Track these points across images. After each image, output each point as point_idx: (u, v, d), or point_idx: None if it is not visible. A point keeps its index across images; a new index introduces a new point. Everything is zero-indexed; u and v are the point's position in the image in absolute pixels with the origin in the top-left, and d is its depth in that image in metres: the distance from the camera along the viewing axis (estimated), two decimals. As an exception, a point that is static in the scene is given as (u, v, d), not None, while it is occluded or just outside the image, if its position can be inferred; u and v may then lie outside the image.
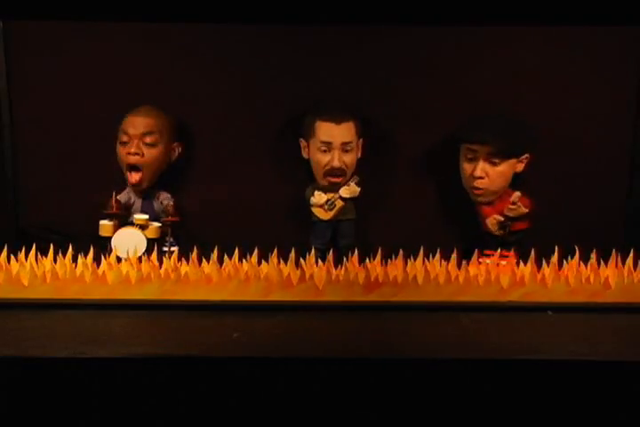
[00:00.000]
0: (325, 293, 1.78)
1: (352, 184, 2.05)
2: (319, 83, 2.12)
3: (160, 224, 2.02)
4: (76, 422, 1.49)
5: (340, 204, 2.06)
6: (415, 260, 1.90)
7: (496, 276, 1.81)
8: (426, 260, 1.89)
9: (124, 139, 2.02)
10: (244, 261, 1.87)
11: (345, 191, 2.05)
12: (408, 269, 1.85)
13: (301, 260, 1.86)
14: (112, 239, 1.96)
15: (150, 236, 1.98)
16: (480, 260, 1.91)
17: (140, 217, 2.00)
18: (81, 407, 1.48)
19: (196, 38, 2.11)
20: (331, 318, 1.72)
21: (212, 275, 1.80)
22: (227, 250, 1.89)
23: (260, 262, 1.86)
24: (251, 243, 1.92)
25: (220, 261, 1.85)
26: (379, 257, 1.89)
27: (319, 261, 1.88)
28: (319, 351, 1.54)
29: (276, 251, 1.86)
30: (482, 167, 2.00)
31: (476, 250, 1.90)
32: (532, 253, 1.85)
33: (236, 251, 1.87)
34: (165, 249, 1.99)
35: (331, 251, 1.90)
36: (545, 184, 2.11)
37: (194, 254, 1.86)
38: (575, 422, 1.49)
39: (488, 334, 1.64)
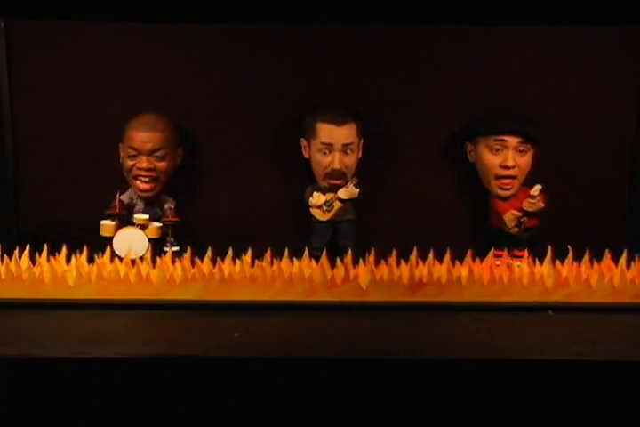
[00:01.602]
0: (370, 293, 1.79)
1: (350, 186, 2.05)
2: (319, 83, 2.12)
3: (160, 224, 2.02)
4: (76, 421, 1.48)
5: (338, 205, 2.06)
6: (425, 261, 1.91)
7: (540, 276, 1.81)
8: (455, 261, 1.90)
9: (132, 153, 2.01)
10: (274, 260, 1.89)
11: (343, 193, 2.05)
12: (452, 269, 1.85)
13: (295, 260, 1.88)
14: (113, 239, 1.96)
15: (151, 236, 1.98)
16: (494, 260, 1.93)
17: (140, 217, 2.00)
18: (81, 407, 1.48)
19: (196, 38, 2.11)
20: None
21: (257, 275, 1.80)
22: (230, 250, 1.90)
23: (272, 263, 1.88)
24: (251, 243, 1.92)
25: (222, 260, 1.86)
26: (392, 256, 1.89)
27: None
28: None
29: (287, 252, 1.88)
30: (512, 157, 2.01)
31: (493, 250, 1.93)
32: (571, 252, 1.88)
33: (269, 251, 1.90)
34: (166, 249, 1.99)
35: (370, 251, 1.91)
36: (546, 184, 2.11)
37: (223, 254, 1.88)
38: (575, 422, 1.49)
39: (488, 335, 1.64)
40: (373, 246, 1.94)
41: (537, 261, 1.91)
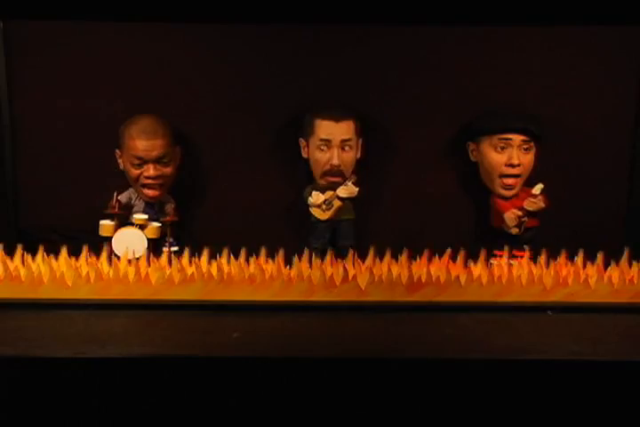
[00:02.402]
0: (368, 293, 1.79)
1: (349, 184, 2.05)
2: (319, 83, 2.12)
3: (159, 224, 2.02)
4: (76, 421, 1.48)
5: (337, 203, 2.06)
6: (419, 260, 1.91)
7: (539, 276, 1.81)
8: (450, 260, 1.91)
9: (137, 162, 2.00)
10: (250, 260, 1.89)
11: (342, 191, 2.05)
12: (451, 269, 1.85)
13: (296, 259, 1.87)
14: (112, 239, 1.96)
15: (150, 236, 1.98)
16: (491, 260, 1.93)
17: (139, 217, 2.00)
18: (81, 407, 1.48)
19: (196, 38, 2.11)
20: (340, 318, 1.73)
21: (256, 275, 1.80)
22: (231, 250, 1.90)
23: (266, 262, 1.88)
24: (253, 243, 1.92)
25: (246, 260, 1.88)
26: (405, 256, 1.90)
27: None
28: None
29: (281, 252, 1.88)
30: (517, 155, 2.02)
31: (499, 251, 1.95)
32: (563, 252, 1.88)
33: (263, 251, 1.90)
34: (165, 249, 1.98)
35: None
36: (545, 184, 2.11)
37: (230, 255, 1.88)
38: (575, 422, 1.49)
39: (488, 334, 1.64)
40: (373, 246, 1.94)
41: (539, 261, 1.91)
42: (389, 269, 1.82)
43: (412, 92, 2.13)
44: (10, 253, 1.90)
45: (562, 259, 1.92)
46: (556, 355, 1.51)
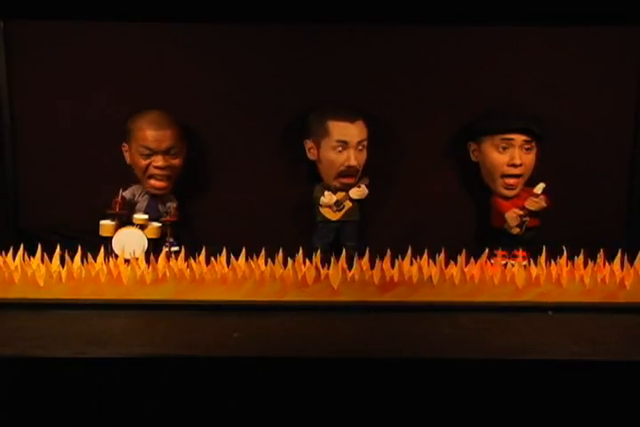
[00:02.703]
0: (340, 293, 1.78)
1: (362, 186, 2.05)
2: (320, 83, 2.12)
3: (160, 224, 2.02)
4: (76, 422, 1.49)
5: (348, 205, 2.06)
6: (420, 260, 1.91)
7: (511, 276, 1.81)
8: (431, 260, 1.90)
9: (146, 152, 2.01)
10: (249, 260, 1.88)
11: (355, 193, 2.05)
12: (423, 269, 1.84)
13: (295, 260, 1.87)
14: (113, 239, 1.96)
15: (150, 236, 1.98)
16: (492, 260, 1.92)
17: (139, 217, 2.00)
18: (81, 407, 1.48)
19: (197, 38, 2.11)
20: (336, 318, 1.73)
21: (228, 275, 1.80)
22: (232, 250, 1.90)
23: (266, 263, 1.87)
24: (253, 243, 1.92)
25: (227, 261, 1.86)
26: (388, 258, 1.89)
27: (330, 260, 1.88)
28: (329, 351, 1.54)
29: (281, 252, 1.87)
30: (519, 155, 2.02)
31: (491, 251, 1.95)
32: (547, 252, 1.88)
33: (243, 251, 1.89)
34: (165, 249, 1.98)
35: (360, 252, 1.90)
36: (545, 184, 2.11)
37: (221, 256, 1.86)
38: (575, 422, 1.49)
39: (488, 334, 1.64)
40: (372, 246, 1.94)
41: (540, 261, 1.91)
42: (387, 269, 1.81)
43: (413, 93, 2.13)
44: (9, 253, 1.89)
45: (563, 259, 1.91)
46: (556, 355, 1.51)
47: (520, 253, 2.01)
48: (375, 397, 1.48)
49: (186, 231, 2.10)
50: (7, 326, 1.64)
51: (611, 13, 2.00)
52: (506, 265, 1.88)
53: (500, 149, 2.04)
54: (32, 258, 1.88)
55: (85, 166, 2.14)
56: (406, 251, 1.91)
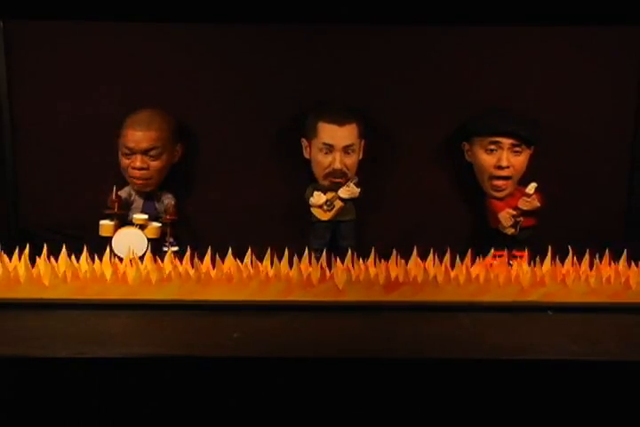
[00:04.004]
0: (346, 293, 1.78)
1: (351, 185, 2.05)
2: (320, 83, 2.12)
3: (160, 224, 2.02)
4: (76, 422, 1.49)
5: (339, 204, 2.05)
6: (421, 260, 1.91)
7: (516, 276, 1.81)
8: (437, 259, 1.90)
9: (127, 151, 2.00)
10: (245, 261, 1.88)
11: (344, 192, 2.05)
12: (428, 269, 1.85)
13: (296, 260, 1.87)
14: (112, 239, 1.96)
15: (150, 236, 1.98)
16: (491, 260, 1.92)
17: (139, 217, 2.00)
18: (81, 407, 1.48)
19: (196, 38, 2.11)
20: (340, 318, 1.73)
21: (233, 275, 1.79)
22: (229, 250, 1.90)
23: (272, 264, 1.86)
24: (252, 243, 1.92)
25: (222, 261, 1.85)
26: (394, 257, 1.90)
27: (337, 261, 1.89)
28: (330, 351, 1.54)
29: (286, 251, 1.88)
30: (507, 157, 2.01)
31: (492, 250, 1.94)
32: (543, 252, 1.88)
33: (249, 251, 1.89)
34: (165, 249, 1.98)
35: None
36: (545, 183, 2.11)
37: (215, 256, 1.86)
38: (574, 422, 1.49)
39: (488, 334, 1.64)
40: (372, 246, 1.94)
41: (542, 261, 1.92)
42: (387, 269, 1.82)
43: (412, 93, 2.13)
44: (10, 253, 1.90)
45: (568, 259, 1.92)
46: (556, 355, 1.51)
47: (520, 253, 2.00)
48: (379, 397, 1.48)
49: (183, 231, 2.10)
50: (7, 325, 1.64)
51: (611, 13, 2.00)
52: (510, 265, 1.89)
53: (489, 151, 2.03)
54: (37, 258, 1.88)
55: (85, 166, 2.14)
56: (406, 251, 1.92)
